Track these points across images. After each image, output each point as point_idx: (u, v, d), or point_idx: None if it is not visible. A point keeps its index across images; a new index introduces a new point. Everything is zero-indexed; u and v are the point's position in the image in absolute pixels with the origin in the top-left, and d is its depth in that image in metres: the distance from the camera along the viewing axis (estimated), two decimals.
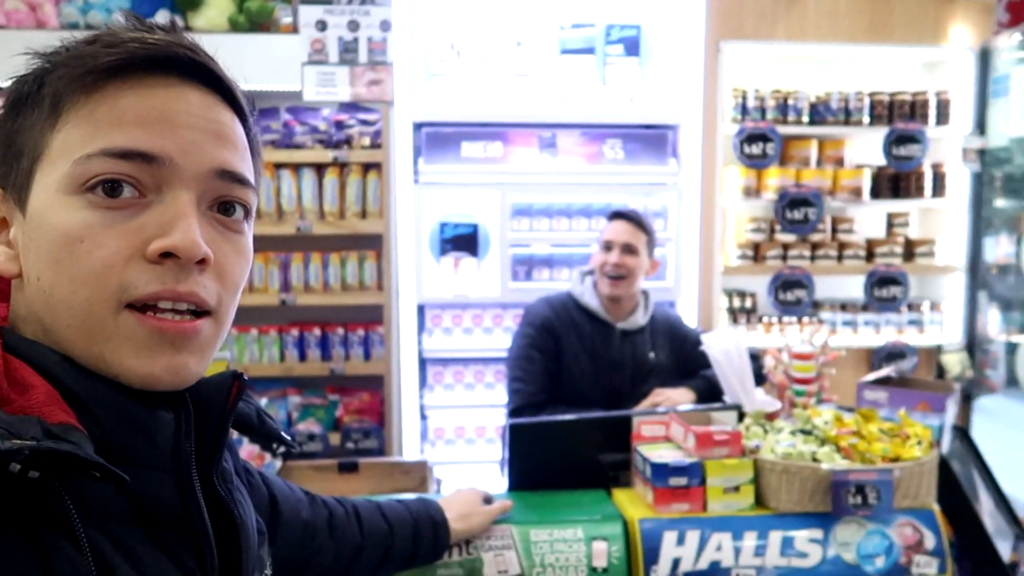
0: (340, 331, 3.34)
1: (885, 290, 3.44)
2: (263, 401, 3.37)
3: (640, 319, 2.45)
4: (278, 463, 1.98)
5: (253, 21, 3.15)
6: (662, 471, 1.47)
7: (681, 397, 2.29)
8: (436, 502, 1.29)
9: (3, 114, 0.60)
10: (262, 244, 3.33)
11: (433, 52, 3.16)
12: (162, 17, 3.12)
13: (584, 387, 2.38)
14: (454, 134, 3.16)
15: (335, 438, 3.16)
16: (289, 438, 0.80)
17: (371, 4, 3.29)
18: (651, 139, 3.23)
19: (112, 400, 0.57)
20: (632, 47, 3.19)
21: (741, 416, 1.70)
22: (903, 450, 1.49)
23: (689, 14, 3.20)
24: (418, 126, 3.16)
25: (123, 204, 0.57)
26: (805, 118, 3.45)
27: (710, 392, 2.24)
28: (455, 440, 3.27)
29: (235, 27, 3.15)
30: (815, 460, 1.46)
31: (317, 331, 3.35)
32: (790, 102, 3.43)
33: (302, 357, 3.34)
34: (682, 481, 1.46)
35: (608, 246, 2.40)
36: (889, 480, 1.41)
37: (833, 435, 1.53)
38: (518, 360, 2.39)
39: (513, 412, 2.36)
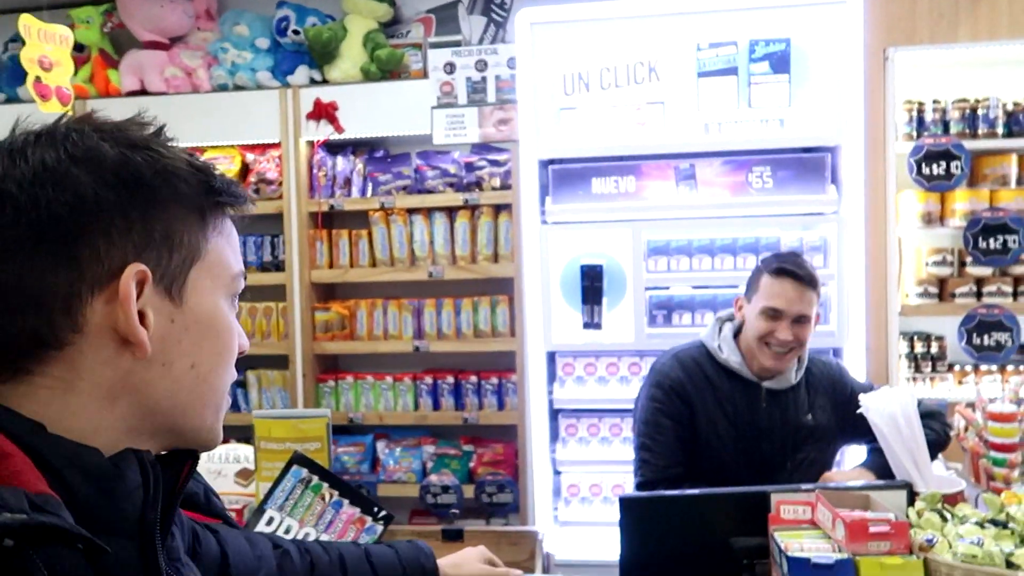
0: (473, 379, 3.27)
1: None
2: (397, 451, 3.33)
3: (792, 376, 2.11)
4: (379, 527, 1.88)
5: (384, 69, 3.18)
6: (802, 567, 1.18)
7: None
8: (429, 548, 1.29)
9: (144, 196, 0.63)
10: (395, 290, 3.33)
11: (561, 86, 3.02)
12: (302, 72, 3.23)
13: (724, 457, 2.08)
14: (583, 170, 2.98)
15: (469, 491, 3.04)
16: (232, 517, 0.89)
17: (499, 42, 3.24)
18: (805, 164, 2.88)
19: (86, 464, 0.61)
20: (780, 64, 2.88)
21: (912, 497, 1.36)
22: None
23: (848, 21, 2.84)
24: (545, 163, 3.02)
25: None
26: (1000, 129, 2.98)
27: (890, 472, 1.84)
28: (591, 499, 3.03)
29: (367, 76, 3.19)
30: (1010, 565, 1.11)
31: (450, 379, 3.30)
32: (980, 112, 2.98)
33: (436, 406, 3.30)
34: None
35: (774, 314, 2.02)
36: None
37: None
38: (646, 425, 2.13)
39: (641, 487, 2.09)
